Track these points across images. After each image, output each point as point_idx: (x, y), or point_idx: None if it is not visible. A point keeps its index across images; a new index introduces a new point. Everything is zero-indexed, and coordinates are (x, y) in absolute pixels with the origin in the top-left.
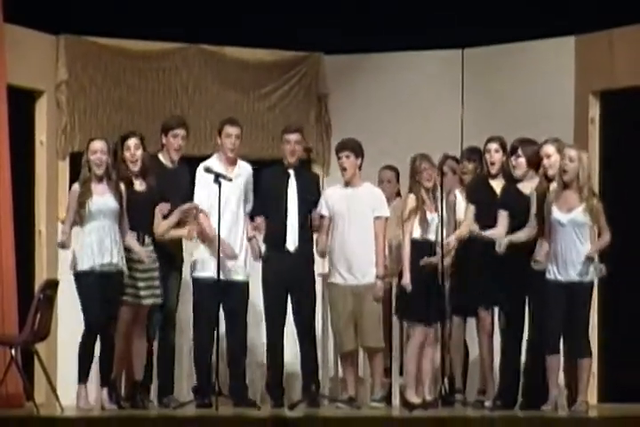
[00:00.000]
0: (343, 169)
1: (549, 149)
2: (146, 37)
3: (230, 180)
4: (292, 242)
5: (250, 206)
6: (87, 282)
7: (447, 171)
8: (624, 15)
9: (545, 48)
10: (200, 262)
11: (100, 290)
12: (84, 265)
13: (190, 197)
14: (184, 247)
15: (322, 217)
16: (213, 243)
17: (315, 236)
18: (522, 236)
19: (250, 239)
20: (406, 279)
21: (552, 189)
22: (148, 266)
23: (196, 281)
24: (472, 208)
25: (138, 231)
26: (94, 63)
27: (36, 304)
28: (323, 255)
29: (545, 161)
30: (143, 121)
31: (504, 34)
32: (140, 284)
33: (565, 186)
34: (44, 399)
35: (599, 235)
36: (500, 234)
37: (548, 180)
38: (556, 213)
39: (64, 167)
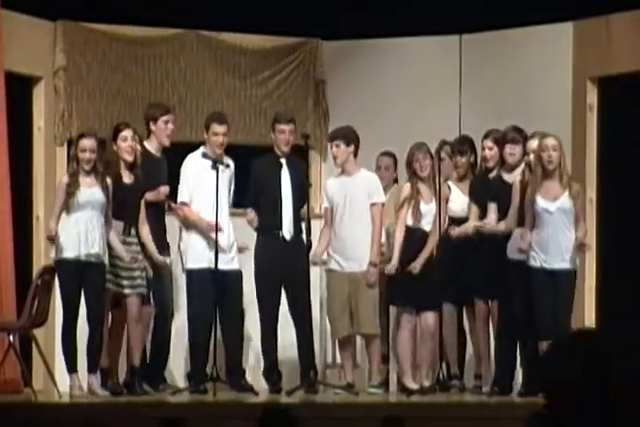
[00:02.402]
0: (334, 157)
1: (535, 144)
2: (144, 23)
3: (228, 166)
4: (287, 230)
5: (231, 199)
6: (69, 270)
7: (445, 157)
8: (622, 1)
9: (543, 34)
10: (192, 254)
11: (81, 279)
12: (68, 253)
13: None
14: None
15: (325, 210)
16: (206, 229)
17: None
18: (501, 227)
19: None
20: (392, 265)
21: (531, 179)
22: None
23: (189, 273)
24: (475, 208)
25: (125, 223)
26: (92, 49)
27: (33, 290)
28: (319, 254)
29: (531, 157)
30: (140, 107)
31: (502, 19)
32: (122, 273)
33: (547, 175)
34: (42, 386)
35: (576, 220)
36: (490, 224)
37: (531, 171)
38: (543, 202)
39: (62, 153)
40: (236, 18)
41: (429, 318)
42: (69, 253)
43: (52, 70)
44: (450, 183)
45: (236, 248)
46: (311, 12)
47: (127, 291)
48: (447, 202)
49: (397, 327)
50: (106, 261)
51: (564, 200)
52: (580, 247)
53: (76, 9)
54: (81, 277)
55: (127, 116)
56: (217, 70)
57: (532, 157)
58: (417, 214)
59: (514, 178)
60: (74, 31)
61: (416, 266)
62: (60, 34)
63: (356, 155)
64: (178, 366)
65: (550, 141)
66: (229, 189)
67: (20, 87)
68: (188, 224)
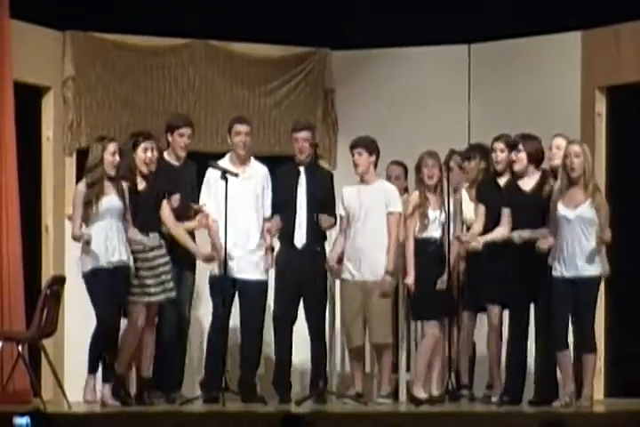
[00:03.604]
0: (355, 166)
1: (560, 141)
2: (152, 33)
3: (237, 175)
4: (299, 239)
5: (267, 208)
6: (97, 280)
7: (454, 166)
8: (630, 10)
9: (551, 43)
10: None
11: (109, 287)
12: (93, 264)
13: (196, 195)
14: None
15: (340, 218)
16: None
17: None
18: (498, 235)
19: (266, 250)
20: (410, 279)
21: (556, 186)
22: (155, 262)
23: (211, 279)
24: (482, 208)
25: (140, 230)
26: (101, 59)
27: (42, 300)
28: (338, 260)
29: (554, 151)
30: (149, 117)
31: (510, 29)
32: (149, 281)
33: (572, 182)
34: (52, 396)
35: (601, 231)
36: (501, 234)
37: (554, 174)
38: (563, 210)
39: (71, 163)
40: (244, 27)
41: (445, 326)
42: (94, 263)
43: (61, 80)
44: (463, 192)
45: (260, 257)
46: (320, 21)
47: (154, 298)
48: (461, 212)
49: (421, 336)
50: (131, 265)
51: (585, 209)
52: (594, 256)
53: (85, 19)
54: (108, 285)
55: (136, 125)
56: (226, 80)
57: (554, 151)
58: (425, 222)
59: (528, 185)
60: (82, 41)
61: (444, 281)
62: (68, 44)
63: (376, 165)
64: (190, 376)
65: (574, 148)
66: (259, 198)
67: (29, 97)
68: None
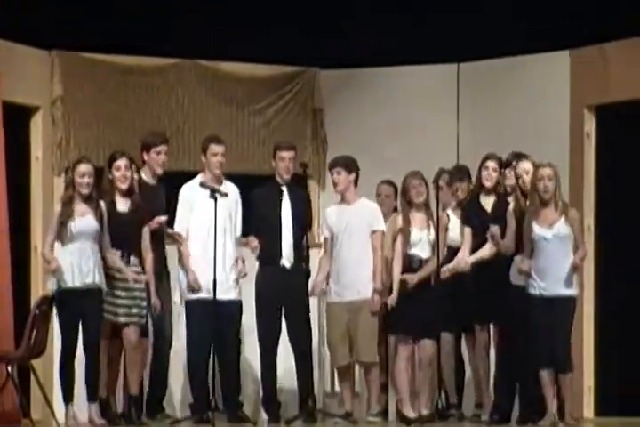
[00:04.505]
0: (335, 185)
1: (528, 165)
2: (140, 53)
3: (226, 195)
4: (287, 258)
5: (239, 228)
6: (67, 302)
7: (442, 185)
8: (618, 29)
9: (540, 62)
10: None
11: (79, 310)
12: (64, 285)
13: (166, 214)
14: (168, 263)
15: (325, 239)
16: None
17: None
18: (485, 253)
19: (236, 260)
20: (393, 296)
21: (529, 208)
22: (131, 285)
23: (188, 304)
24: (468, 231)
25: (122, 251)
26: (89, 79)
27: (31, 320)
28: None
29: (525, 177)
30: (138, 136)
31: (499, 48)
32: (120, 301)
33: (544, 203)
34: (41, 416)
35: (576, 247)
36: (489, 251)
37: (525, 196)
38: (539, 230)
39: (59, 183)
40: (233, 47)
41: (427, 346)
42: (65, 284)
43: (50, 100)
44: (449, 212)
45: (234, 278)
46: (309, 40)
47: (122, 319)
48: (446, 231)
49: (395, 356)
50: (103, 288)
51: (561, 226)
52: (575, 269)
53: (73, 38)
54: (79, 306)
55: (125, 145)
56: (214, 99)
57: (525, 178)
58: (409, 244)
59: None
60: (71, 61)
61: (413, 278)
62: (57, 63)
63: (356, 184)
64: (177, 396)
65: (546, 171)
66: (232, 218)
67: (18, 117)
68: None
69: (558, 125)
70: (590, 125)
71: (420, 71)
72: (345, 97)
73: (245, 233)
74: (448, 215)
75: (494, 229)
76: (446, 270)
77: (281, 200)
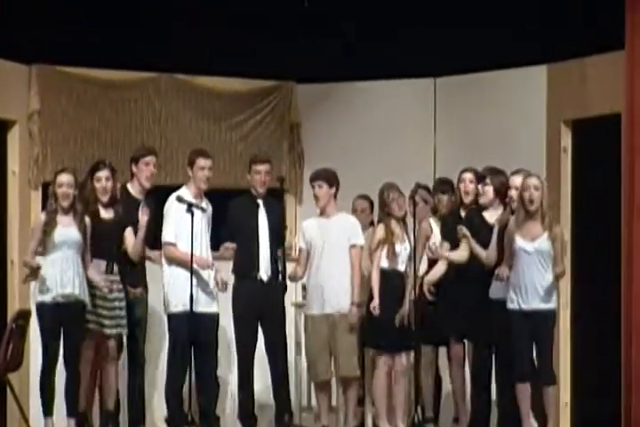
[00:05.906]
0: (316, 198)
1: (518, 180)
2: (118, 67)
3: (204, 210)
4: (264, 271)
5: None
6: (47, 313)
7: (419, 200)
8: (595, 44)
9: (517, 77)
10: (173, 298)
11: (59, 321)
12: (45, 296)
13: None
14: (147, 276)
15: (300, 250)
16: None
17: (288, 266)
18: (441, 268)
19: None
20: (375, 302)
21: (513, 219)
22: (111, 296)
23: (170, 317)
24: (446, 245)
25: (107, 260)
26: (66, 93)
27: (8, 335)
28: (293, 279)
29: (513, 192)
30: (115, 151)
31: (476, 62)
32: (104, 312)
33: (528, 215)
34: None
35: (555, 261)
36: (459, 256)
37: (512, 210)
38: (521, 242)
39: (36, 197)
40: (209, 61)
41: (403, 359)
42: (46, 295)
43: (27, 114)
44: (432, 221)
45: (215, 291)
46: (285, 55)
47: (108, 331)
48: (428, 240)
49: (372, 370)
50: (86, 300)
51: (543, 241)
52: (551, 288)
53: (51, 53)
54: (59, 318)
55: (102, 159)
56: (191, 114)
57: (513, 192)
58: (392, 256)
59: (492, 217)
60: (48, 75)
61: (403, 314)
62: (34, 77)
63: (335, 197)
64: (156, 409)
65: (532, 181)
66: (207, 233)
67: None
68: (173, 264)
69: (535, 140)
70: (567, 140)
71: (397, 86)
72: (322, 111)
73: (218, 244)
74: (431, 225)
75: (464, 229)
76: (427, 283)
77: (257, 213)
